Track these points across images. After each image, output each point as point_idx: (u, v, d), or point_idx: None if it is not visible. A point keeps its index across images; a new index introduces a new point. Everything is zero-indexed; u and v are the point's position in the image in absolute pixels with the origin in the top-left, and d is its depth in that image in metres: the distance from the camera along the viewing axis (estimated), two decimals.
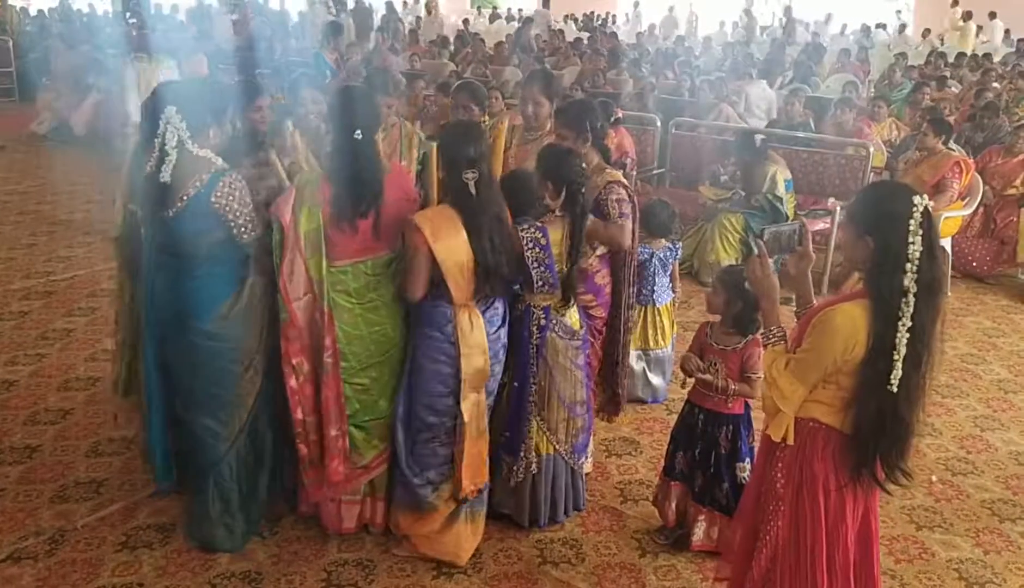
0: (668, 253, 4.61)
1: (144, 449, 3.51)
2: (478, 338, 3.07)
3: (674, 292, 4.73)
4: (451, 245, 2.97)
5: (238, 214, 3.01)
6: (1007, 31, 18.74)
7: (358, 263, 3.08)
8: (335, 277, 3.07)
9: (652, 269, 4.54)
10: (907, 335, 2.18)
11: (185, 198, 2.95)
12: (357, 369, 3.15)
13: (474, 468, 3.18)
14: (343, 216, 3.00)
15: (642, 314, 4.56)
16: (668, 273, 4.64)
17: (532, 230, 3.17)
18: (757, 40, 17.88)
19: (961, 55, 14.10)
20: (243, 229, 3.04)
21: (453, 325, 3.05)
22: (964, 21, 18.95)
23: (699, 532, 3.35)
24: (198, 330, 3.08)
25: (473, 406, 3.12)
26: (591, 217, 3.35)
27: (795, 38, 18.22)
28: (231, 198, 2.99)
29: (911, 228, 2.15)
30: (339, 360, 3.11)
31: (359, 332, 3.11)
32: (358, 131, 2.98)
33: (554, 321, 3.30)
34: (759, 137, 6.47)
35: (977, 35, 18.39)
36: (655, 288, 4.57)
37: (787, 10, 22.09)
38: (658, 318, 4.63)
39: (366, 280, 3.10)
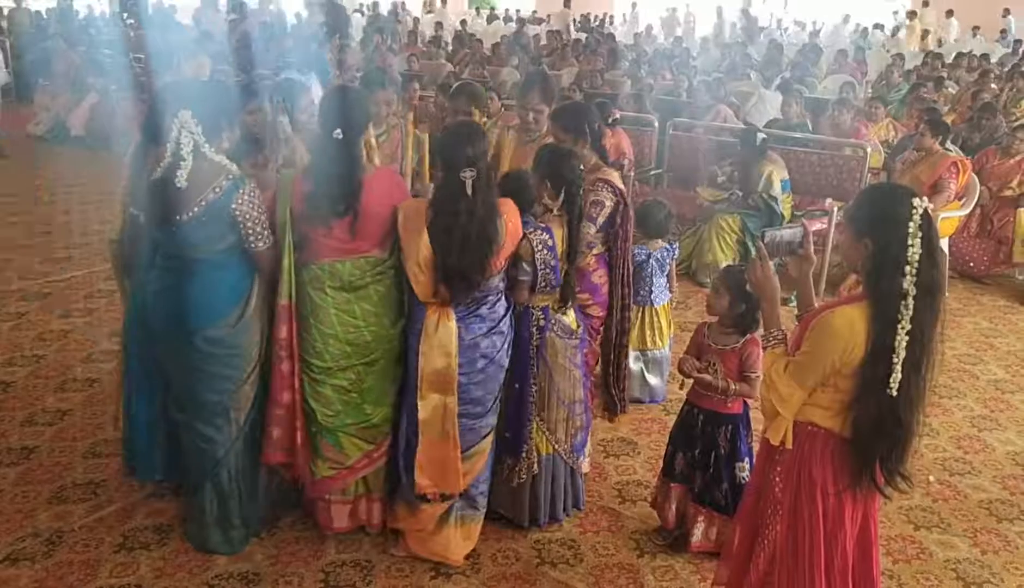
0: (665, 253, 4.61)
1: (124, 447, 3.55)
2: (442, 339, 3.04)
3: (671, 292, 4.74)
4: (412, 240, 2.96)
5: (256, 222, 2.99)
6: (1003, 31, 18.78)
7: (335, 263, 3.07)
8: (313, 274, 3.08)
9: (649, 270, 4.54)
10: (906, 338, 2.18)
11: (203, 203, 2.91)
12: (335, 370, 3.14)
13: (436, 470, 3.13)
14: (316, 215, 2.99)
15: (640, 314, 4.56)
16: (665, 273, 4.64)
17: (540, 232, 3.17)
18: (758, 42, 17.92)
19: (960, 55, 14.13)
20: (257, 237, 3.01)
21: (422, 323, 3.05)
22: (910, 20, 19.11)
23: (698, 533, 3.35)
24: (206, 337, 3.05)
25: (434, 408, 3.09)
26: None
27: (755, 39, 18.22)
28: (251, 206, 2.97)
29: (910, 230, 2.15)
30: (294, 355, 3.12)
31: (333, 331, 3.10)
32: (338, 130, 2.97)
33: (553, 321, 3.30)
34: (761, 135, 6.48)
35: (925, 36, 18.49)
36: (652, 288, 4.58)
37: (744, 13, 22.09)
38: (656, 318, 4.64)
39: (342, 281, 3.08)
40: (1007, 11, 19.74)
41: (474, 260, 2.96)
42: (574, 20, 22.62)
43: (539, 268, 3.17)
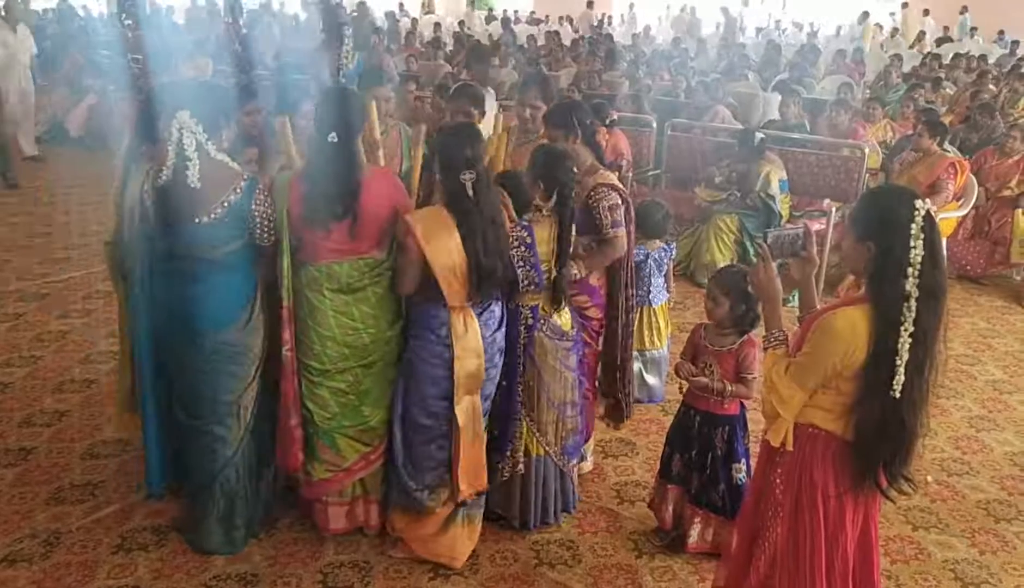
0: (663, 253, 4.62)
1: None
2: (472, 341, 3.06)
3: (669, 292, 4.74)
4: (443, 247, 2.95)
5: (270, 219, 3.04)
6: (1001, 32, 18.79)
7: (333, 265, 3.07)
8: (311, 276, 3.09)
9: (648, 270, 4.54)
10: (909, 340, 2.18)
11: (226, 204, 2.94)
12: (333, 372, 3.15)
13: (472, 472, 3.17)
14: (314, 217, 3.00)
15: (638, 315, 4.56)
16: (663, 273, 4.65)
17: (518, 229, 3.17)
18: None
19: (957, 56, 14.14)
20: (271, 233, 3.06)
21: (448, 327, 3.04)
22: (863, 20, 19.13)
23: (695, 534, 3.35)
24: (219, 339, 3.06)
25: (468, 409, 3.11)
26: (582, 251, 3.41)
27: (731, 40, 18.27)
28: (266, 205, 3.02)
29: (913, 233, 2.16)
30: (296, 356, 3.14)
31: (331, 333, 3.11)
32: (333, 134, 2.97)
33: (542, 321, 3.29)
34: (759, 135, 6.48)
35: (921, 37, 18.51)
36: (651, 289, 4.58)
37: (724, 11, 22.08)
38: (654, 318, 4.64)
39: (340, 283, 3.08)
40: (965, 8, 19.82)
41: (499, 257, 3.02)
42: (570, 20, 22.66)
43: (516, 265, 3.16)
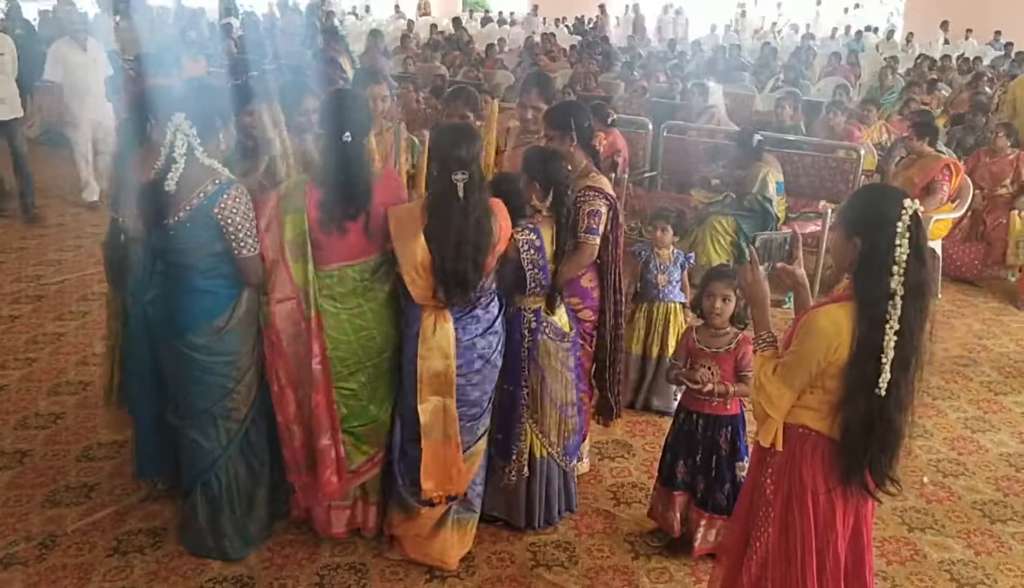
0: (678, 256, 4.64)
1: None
2: (440, 342, 3.03)
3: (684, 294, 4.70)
4: (407, 244, 2.95)
5: (239, 228, 2.94)
6: (997, 32, 18.81)
7: (345, 267, 3.06)
8: (321, 281, 3.05)
9: (659, 268, 4.57)
10: (894, 338, 2.18)
11: (188, 208, 2.89)
12: (345, 374, 3.13)
13: (440, 473, 3.13)
14: (331, 219, 2.98)
15: (665, 317, 4.58)
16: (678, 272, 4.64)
17: (527, 232, 3.15)
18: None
19: (946, 57, 14.19)
20: (243, 244, 2.96)
21: (420, 325, 3.04)
22: (743, 17, 19.24)
23: (699, 537, 3.33)
24: (192, 343, 3.03)
25: (434, 410, 3.08)
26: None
27: (645, 38, 18.31)
28: (234, 211, 2.92)
29: (899, 231, 2.16)
30: (329, 367, 3.08)
31: (346, 337, 3.09)
32: (347, 134, 2.97)
33: (544, 323, 3.29)
34: (757, 136, 6.48)
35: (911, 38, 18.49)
36: (670, 284, 4.59)
37: (635, 7, 22.13)
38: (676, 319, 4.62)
39: (353, 285, 3.08)
40: (858, 4, 19.87)
41: (470, 262, 2.95)
42: (564, 21, 22.68)
43: (527, 268, 3.16)
